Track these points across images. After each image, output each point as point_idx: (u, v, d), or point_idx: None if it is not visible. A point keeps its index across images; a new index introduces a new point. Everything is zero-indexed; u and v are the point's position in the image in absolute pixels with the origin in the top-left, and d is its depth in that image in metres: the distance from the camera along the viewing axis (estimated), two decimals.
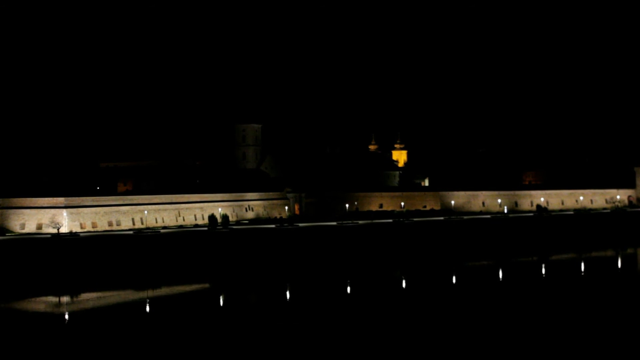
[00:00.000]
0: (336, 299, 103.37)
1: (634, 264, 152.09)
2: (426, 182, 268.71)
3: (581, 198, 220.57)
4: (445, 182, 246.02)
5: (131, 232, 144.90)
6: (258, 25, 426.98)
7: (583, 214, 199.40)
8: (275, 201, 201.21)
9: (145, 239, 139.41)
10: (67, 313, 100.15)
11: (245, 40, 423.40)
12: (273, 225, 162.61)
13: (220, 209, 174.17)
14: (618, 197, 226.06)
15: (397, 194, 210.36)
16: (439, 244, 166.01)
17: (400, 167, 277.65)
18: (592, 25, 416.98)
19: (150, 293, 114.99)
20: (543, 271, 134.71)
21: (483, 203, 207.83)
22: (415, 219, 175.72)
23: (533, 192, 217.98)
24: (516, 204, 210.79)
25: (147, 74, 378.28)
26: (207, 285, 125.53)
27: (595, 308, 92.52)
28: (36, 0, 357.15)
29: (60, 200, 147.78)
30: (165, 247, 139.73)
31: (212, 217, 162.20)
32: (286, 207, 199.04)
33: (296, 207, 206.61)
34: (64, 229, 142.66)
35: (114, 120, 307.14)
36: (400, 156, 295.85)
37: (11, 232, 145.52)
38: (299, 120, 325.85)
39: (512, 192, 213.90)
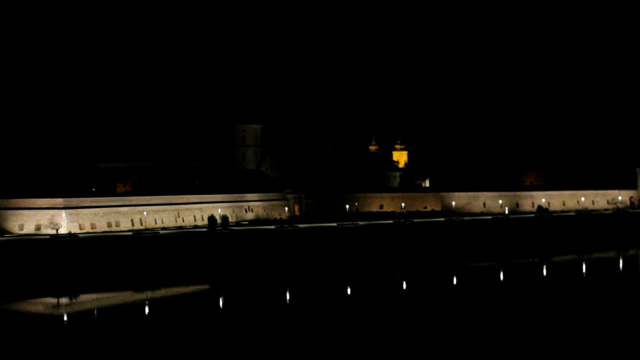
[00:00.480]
0: (336, 301, 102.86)
1: (636, 265, 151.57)
2: (427, 183, 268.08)
3: (582, 199, 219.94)
4: (446, 183, 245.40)
5: (130, 233, 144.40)
6: (258, 25, 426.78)
7: (584, 215, 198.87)
8: (275, 202, 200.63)
9: (144, 240, 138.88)
10: (65, 314, 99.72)
11: (245, 40, 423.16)
12: (273, 226, 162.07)
13: (219, 210, 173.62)
14: (620, 198, 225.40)
15: (397, 194, 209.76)
16: (440, 245, 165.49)
17: (401, 168, 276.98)
18: (592, 25, 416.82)
19: (150, 294, 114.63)
20: (544, 272, 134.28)
21: (484, 204, 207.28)
22: (415, 220, 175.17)
23: (534, 193, 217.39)
24: (517, 204, 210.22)
25: (146, 74, 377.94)
26: (206, 286, 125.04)
27: (597, 309, 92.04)
28: (36, 0, 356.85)
29: (59, 201, 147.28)
30: (165, 248, 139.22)
31: (211, 218, 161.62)
32: (286, 208, 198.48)
33: (296, 208, 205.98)
34: (62, 230, 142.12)
35: (113, 120, 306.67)
36: (400, 157, 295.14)
37: (10, 233, 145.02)
38: (299, 121, 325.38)
39: (513, 193, 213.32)
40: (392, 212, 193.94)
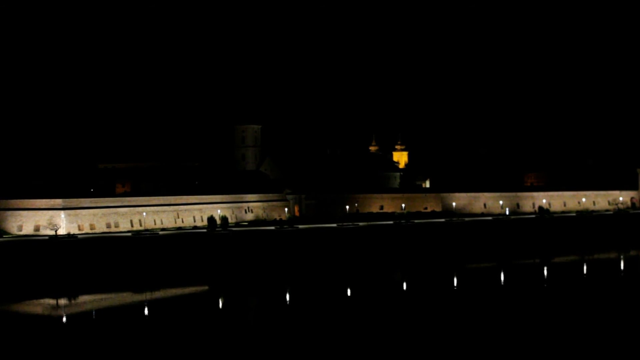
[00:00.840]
0: (336, 302, 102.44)
1: (637, 266, 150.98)
2: (427, 184, 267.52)
3: (583, 200, 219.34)
4: (447, 184, 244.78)
5: (129, 234, 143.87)
6: (258, 25, 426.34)
7: (585, 216, 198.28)
8: (274, 203, 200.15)
9: (143, 241, 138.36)
10: (64, 316, 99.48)
11: (245, 40, 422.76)
12: (273, 227, 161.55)
13: (219, 211, 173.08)
14: (621, 198, 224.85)
15: (397, 195, 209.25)
16: (440, 245, 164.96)
17: (401, 169, 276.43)
18: (592, 25, 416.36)
19: (149, 295, 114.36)
20: (545, 273, 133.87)
21: (484, 204, 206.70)
22: (416, 221, 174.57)
23: (535, 194, 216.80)
24: (518, 205, 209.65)
25: (146, 74, 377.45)
26: (206, 287, 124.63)
27: (598, 310, 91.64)
28: (36, 0, 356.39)
29: (58, 201, 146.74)
30: (164, 249, 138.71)
31: (211, 219, 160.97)
32: (286, 209, 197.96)
33: (296, 208, 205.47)
34: (61, 231, 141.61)
35: (112, 121, 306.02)
36: (401, 157, 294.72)
37: (8, 233, 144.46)
38: (298, 121, 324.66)
39: (513, 194, 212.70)
40: (393, 213, 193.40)
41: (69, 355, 73.98)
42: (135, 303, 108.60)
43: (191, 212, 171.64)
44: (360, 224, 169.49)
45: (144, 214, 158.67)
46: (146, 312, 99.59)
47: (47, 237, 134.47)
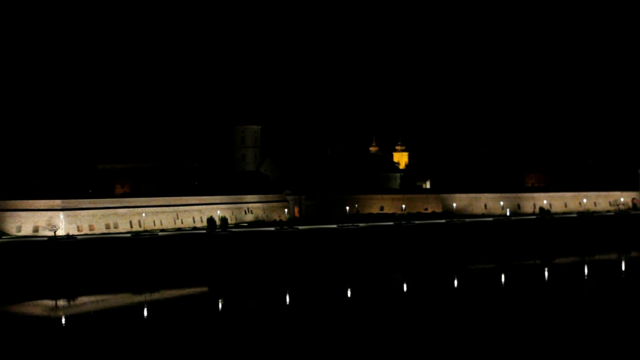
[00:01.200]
0: (337, 303, 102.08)
1: (638, 267, 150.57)
2: (428, 184, 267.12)
3: (584, 200, 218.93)
4: (447, 184, 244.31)
5: (129, 235, 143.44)
6: (258, 25, 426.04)
7: (586, 217, 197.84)
8: (274, 203, 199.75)
9: (143, 242, 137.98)
10: (63, 317, 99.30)
11: (245, 40, 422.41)
12: (272, 228, 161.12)
13: (219, 212, 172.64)
14: (622, 199, 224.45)
15: (398, 196, 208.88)
16: (441, 246, 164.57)
17: (402, 169, 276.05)
18: (592, 25, 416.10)
19: (148, 297, 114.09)
20: (546, 275, 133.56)
21: (485, 205, 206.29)
22: (416, 222, 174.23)
23: (536, 195, 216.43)
24: (519, 206, 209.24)
25: (145, 75, 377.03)
26: (205, 288, 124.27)
27: (599, 312, 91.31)
28: (36, 0, 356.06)
29: (57, 202, 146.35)
30: (164, 250, 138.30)
31: (210, 220, 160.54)
32: (286, 210, 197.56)
33: (296, 209, 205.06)
34: (60, 232, 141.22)
35: (111, 121, 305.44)
36: (401, 158, 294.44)
37: (7, 234, 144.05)
38: (298, 122, 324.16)
39: (514, 195, 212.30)
40: (393, 214, 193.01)
41: (68, 356, 73.60)
42: (135, 304, 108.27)
43: (191, 213, 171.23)
44: (361, 224, 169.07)
45: (144, 214, 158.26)
46: (145, 313, 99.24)
47: (46, 238, 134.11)
